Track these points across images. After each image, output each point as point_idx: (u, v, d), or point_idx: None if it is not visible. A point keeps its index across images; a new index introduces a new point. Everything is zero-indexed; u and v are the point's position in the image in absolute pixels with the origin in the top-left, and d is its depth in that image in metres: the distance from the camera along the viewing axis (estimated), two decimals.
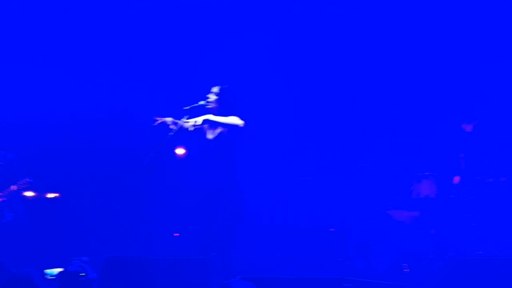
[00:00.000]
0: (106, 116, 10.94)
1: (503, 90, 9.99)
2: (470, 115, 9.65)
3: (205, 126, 8.17)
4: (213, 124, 8.14)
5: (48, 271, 4.31)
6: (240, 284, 4.25)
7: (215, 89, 8.22)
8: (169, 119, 8.14)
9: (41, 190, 10.75)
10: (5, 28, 10.84)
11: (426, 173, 9.72)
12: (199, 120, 8.14)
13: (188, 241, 9.64)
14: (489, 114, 9.68)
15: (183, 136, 8.26)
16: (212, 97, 8.19)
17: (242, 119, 8.12)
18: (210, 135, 8.20)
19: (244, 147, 8.34)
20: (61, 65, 11.00)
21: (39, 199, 10.76)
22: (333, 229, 10.06)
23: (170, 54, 10.97)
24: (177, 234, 10.53)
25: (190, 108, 8.13)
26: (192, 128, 8.18)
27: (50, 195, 10.94)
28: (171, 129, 7.96)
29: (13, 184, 8.86)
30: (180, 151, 10.79)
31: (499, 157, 9.36)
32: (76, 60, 10.98)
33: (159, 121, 8.15)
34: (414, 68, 10.63)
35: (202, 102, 8.17)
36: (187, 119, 8.08)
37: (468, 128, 9.52)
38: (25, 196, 9.86)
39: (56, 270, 4.33)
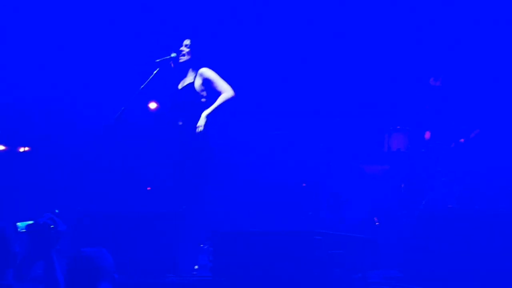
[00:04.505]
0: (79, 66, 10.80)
1: (471, 45, 10.04)
2: (440, 70, 9.70)
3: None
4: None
5: (20, 224, 4.30)
6: (95, 252, 4.13)
7: (187, 41, 8.14)
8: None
9: (12, 144, 10.69)
10: None
11: (398, 127, 9.78)
12: None
13: (161, 195, 9.67)
14: (458, 70, 9.74)
15: (155, 90, 8.18)
16: (184, 50, 8.10)
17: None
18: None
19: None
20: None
21: (11, 153, 10.70)
22: (305, 184, 10.11)
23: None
24: (149, 188, 10.55)
25: (161, 60, 8.08)
26: None
27: (22, 149, 10.87)
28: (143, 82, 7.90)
29: None
30: (152, 105, 10.77)
31: (469, 112, 9.43)
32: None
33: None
34: (382, 24, 10.61)
35: (173, 55, 8.10)
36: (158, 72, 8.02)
37: (437, 82, 9.56)
38: None
39: (27, 223, 4.32)
